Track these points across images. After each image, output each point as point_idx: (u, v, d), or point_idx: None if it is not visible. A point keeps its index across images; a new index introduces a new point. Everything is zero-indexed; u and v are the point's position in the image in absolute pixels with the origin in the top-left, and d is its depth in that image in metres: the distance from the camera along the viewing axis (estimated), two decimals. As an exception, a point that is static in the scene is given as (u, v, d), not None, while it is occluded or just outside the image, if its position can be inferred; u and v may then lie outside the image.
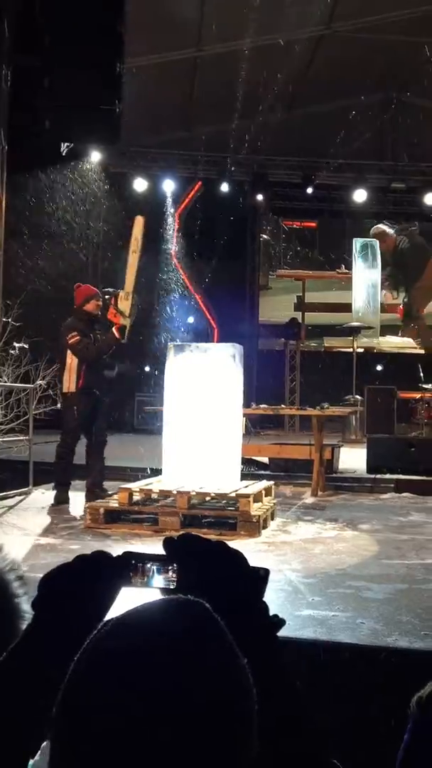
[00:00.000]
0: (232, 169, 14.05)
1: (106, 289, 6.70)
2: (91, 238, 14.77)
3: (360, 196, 14.30)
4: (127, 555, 0.89)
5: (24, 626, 0.93)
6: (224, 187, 14.11)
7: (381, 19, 11.59)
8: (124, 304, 6.33)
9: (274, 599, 3.45)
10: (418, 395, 11.52)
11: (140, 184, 14.00)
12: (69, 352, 6.21)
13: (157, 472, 6.05)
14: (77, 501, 6.28)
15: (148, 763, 0.68)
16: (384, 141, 14.57)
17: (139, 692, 0.70)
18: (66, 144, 10.20)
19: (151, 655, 0.71)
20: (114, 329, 6.26)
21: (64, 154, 9.77)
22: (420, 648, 2.79)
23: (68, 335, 6.25)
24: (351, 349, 13.03)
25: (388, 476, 7.64)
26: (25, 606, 1.03)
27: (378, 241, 15.64)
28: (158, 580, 0.88)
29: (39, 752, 0.82)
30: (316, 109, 13.32)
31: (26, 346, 7.33)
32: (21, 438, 6.95)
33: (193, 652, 0.72)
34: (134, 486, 5.55)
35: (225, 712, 0.72)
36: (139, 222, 6.62)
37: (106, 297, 6.44)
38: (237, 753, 0.73)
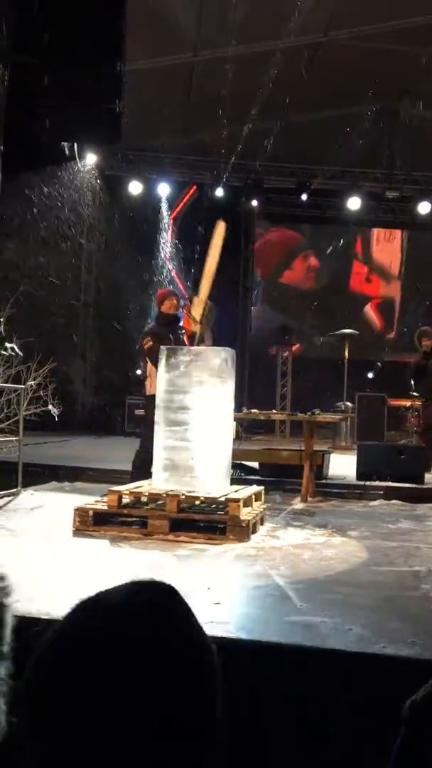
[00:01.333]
0: (227, 174, 14.07)
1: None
2: (85, 240, 14.77)
3: (354, 203, 14.35)
4: None
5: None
6: (219, 192, 14.13)
7: (377, 28, 11.66)
8: (197, 310, 6.36)
9: (262, 605, 3.45)
10: (408, 403, 11.56)
11: (135, 187, 14.00)
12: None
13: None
14: (65, 503, 6.26)
15: (110, 739, 0.70)
16: (379, 149, 14.62)
17: (102, 670, 0.72)
18: (67, 144, 10.20)
19: (114, 633, 0.73)
20: (185, 336, 6.28)
21: (66, 153, 9.76)
22: (407, 655, 2.78)
23: (144, 340, 6.32)
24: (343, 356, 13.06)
25: (377, 483, 7.66)
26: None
27: None
28: None
29: None
30: (312, 116, 13.37)
31: (17, 347, 7.30)
32: (11, 439, 6.92)
33: (156, 629, 0.75)
34: (124, 488, 5.54)
35: (188, 690, 0.75)
36: (220, 228, 6.61)
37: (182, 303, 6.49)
38: (201, 727, 0.76)
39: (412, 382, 9.47)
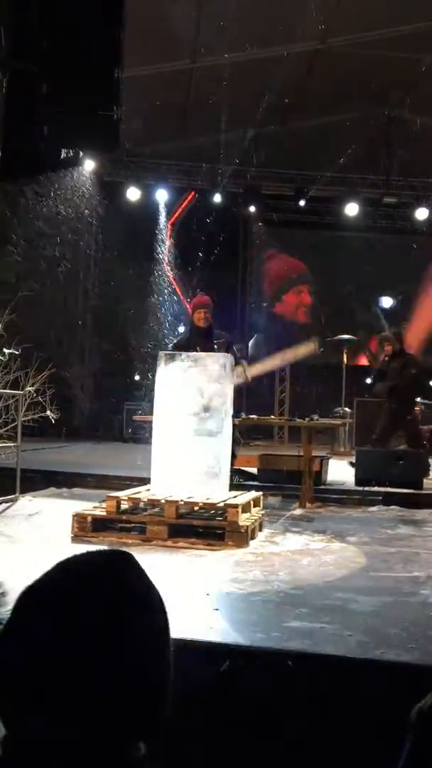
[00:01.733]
0: (225, 180, 14.11)
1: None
2: (84, 246, 14.79)
3: (352, 209, 14.39)
4: None
5: None
6: (217, 198, 14.16)
7: (375, 35, 11.70)
8: (239, 373, 6.43)
9: (261, 610, 3.44)
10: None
11: (133, 193, 14.03)
12: None
13: (145, 481, 6.03)
14: (64, 509, 6.25)
15: (69, 691, 0.80)
16: (377, 155, 14.67)
17: (66, 626, 0.82)
18: (66, 150, 10.24)
19: (76, 592, 0.84)
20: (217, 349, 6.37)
21: (66, 159, 9.80)
22: (407, 661, 2.78)
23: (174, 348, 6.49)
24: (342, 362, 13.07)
25: (376, 489, 7.65)
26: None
27: None
28: None
29: None
30: (310, 122, 13.42)
31: (16, 352, 7.30)
32: (9, 444, 6.91)
33: (114, 589, 0.86)
34: (122, 494, 5.53)
35: (141, 648, 0.85)
36: (309, 347, 6.88)
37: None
38: (154, 683, 0.87)
39: (374, 385, 9.39)
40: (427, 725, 1.08)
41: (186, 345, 6.52)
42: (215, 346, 6.51)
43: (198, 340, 6.60)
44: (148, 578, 0.90)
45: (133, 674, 0.83)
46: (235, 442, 6.62)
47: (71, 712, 0.79)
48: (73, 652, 0.80)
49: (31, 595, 0.86)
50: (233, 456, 6.31)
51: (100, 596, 0.84)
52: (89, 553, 0.90)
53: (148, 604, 0.89)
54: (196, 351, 6.27)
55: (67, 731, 0.79)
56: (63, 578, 0.87)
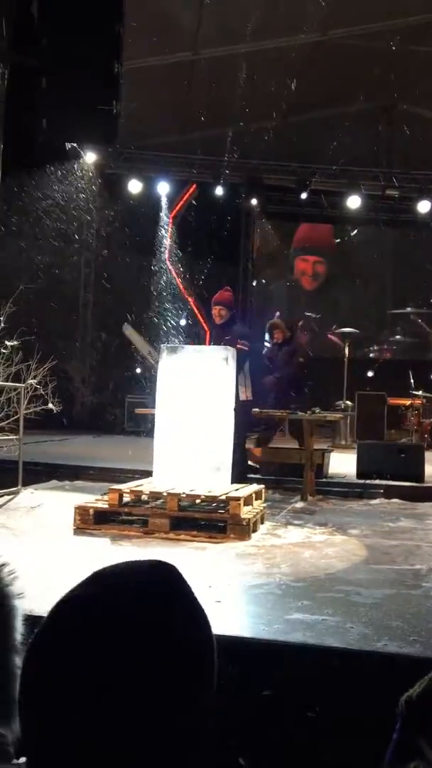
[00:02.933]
0: (227, 172, 14.06)
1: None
2: (85, 239, 14.77)
3: (354, 202, 14.35)
4: None
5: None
6: (219, 191, 14.12)
7: (377, 27, 11.66)
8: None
9: (263, 603, 3.45)
10: (408, 402, 11.56)
11: (135, 186, 14.00)
12: None
13: (147, 474, 6.05)
14: (66, 501, 6.26)
15: (110, 708, 0.72)
16: (379, 148, 14.62)
17: (105, 642, 0.74)
18: (69, 143, 10.22)
19: (117, 607, 0.76)
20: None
21: (67, 152, 9.79)
22: (409, 653, 2.79)
23: None
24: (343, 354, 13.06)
25: (377, 482, 7.66)
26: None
27: None
28: None
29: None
30: (312, 114, 13.38)
31: (17, 345, 7.30)
32: (11, 437, 6.92)
33: (159, 606, 0.78)
34: (124, 487, 5.54)
35: (187, 666, 0.77)
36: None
37: None
38: (194, 700, 0.77)
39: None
40: (416, 714, 1.09)
41: (210, 339, 6.79)
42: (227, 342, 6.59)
43: (216, 334, 6.76)
44: (193, 593, 0.83)
45: (176, 699, 0.75)
46: (242, 439, 6.77)
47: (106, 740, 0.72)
48: (112, 677, 0.73)
49: (68, 607, 0.78)
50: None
51: (145, 613, 0.77)
52: (132, 563, 0.82)
53: (194, 621, 0.81)
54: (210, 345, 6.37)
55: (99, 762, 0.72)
56: (104, 592, 0.78)
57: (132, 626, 0.75)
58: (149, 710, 0.73)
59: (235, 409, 6.45)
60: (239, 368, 6.67)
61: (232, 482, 6.11)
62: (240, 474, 6.62)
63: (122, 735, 0.72)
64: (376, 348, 15.61)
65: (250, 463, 8.02)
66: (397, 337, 15.74)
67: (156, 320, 14.27)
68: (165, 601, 0.79)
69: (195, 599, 0.82)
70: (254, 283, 16.29)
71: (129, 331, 6.99)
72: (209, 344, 6.49)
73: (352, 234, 15.90)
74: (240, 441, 6.86)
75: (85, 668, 0.73)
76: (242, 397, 6.74)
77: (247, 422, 6.91)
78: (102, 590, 0.79)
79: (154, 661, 0.74)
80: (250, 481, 6.65)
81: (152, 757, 0.73)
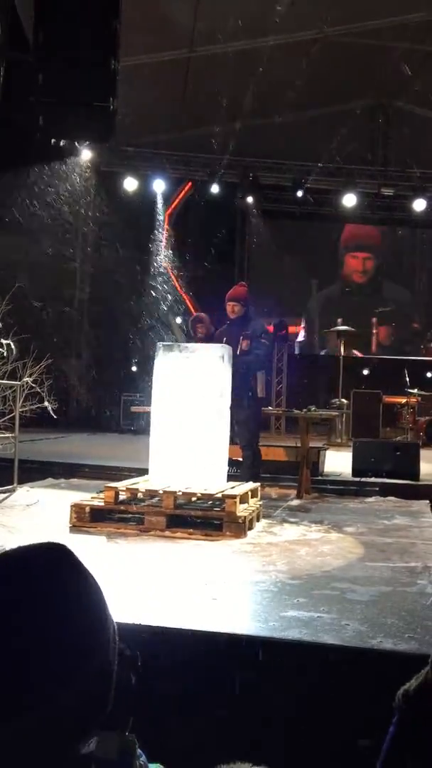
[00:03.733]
0: (223, 170, 14.06)
1: None
2: (80, 237, 14.75)
3: (349, 200, 14.37)
4: None
5: None
6: (214, 189, 14.12)
7: (373, 25, 11.66)
8: None
9: (259, 600, 3.46)
10: (403, 400, 11.59)
11: (130, 184, 13.99)
12: None
13: (143, 472, 6.05)
14: (62, 499, 6.27)
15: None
16: (374, 146, 14.64)
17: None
18: (63, 141, 10.19)
19: (10, 586, 0.82)
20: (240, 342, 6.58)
21: (62, 149, 9.76)
22: (404, 650, 2.80)
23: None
24: (338, 353, 13.09)
25: (372, 480, 7.68)
26: None
27: None
28: None
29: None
30: (308, 113, 13.38)
31: (12, 344, 7.29)
32: (7, 435, 6.92)
33: (50, 583, 0.84)
34: (120, 485, 5.54)
35: (80, 644, 0.82)
36: None
37: None
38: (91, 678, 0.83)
39: None
40: (412, 707, 1.10)
41: (220, 335, 6.79)
42: (241, 338, 6.62)
43: (228, 330, 6.81)
44: (86, 572, 0.88)
45: (71, 667, 0.81)
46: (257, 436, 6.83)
47: (12, 707, 0.77)
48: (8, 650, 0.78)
49: None
50: (230, 447, 6.34)
51: (31, 593, 0.82)
52: (21, 548, 0.88)
53: (86, 599, 0.86)
54: (223, 341, 6.36)
55: (10, 726, 0.77)
56: None
57: (19, 602, 0.81)
58: (35, 679, 0.78)
59: (250, 406, 6.51)
60: (262, 365, 6.73)
61: (247, 481, 6.14)
62: (255, 474, 6.63)
63: (10, 700, 0.77)
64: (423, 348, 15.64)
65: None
66: None
67: (151, 319, 14.26)
68: (53, 579, 0.85)
69: (88, 577, 0.88)
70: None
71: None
72: (220, 340, 6.47)
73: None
74: (255, 439, 6.89)
75: None
76: (260, 394, 6.78)
77: (259, 419, 7.02)
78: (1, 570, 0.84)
79: (39, 635, 0.80)
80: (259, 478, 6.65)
81: (35, 726, 0.78)
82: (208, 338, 6.87)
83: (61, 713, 0.79)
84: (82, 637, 0.83)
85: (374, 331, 14.09)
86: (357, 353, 14.85)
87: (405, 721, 1.11)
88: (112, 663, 0.87)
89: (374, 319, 14.39)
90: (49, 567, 0.86)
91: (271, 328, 14.63)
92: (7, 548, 0.89)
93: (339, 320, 13.40)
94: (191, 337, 7.39)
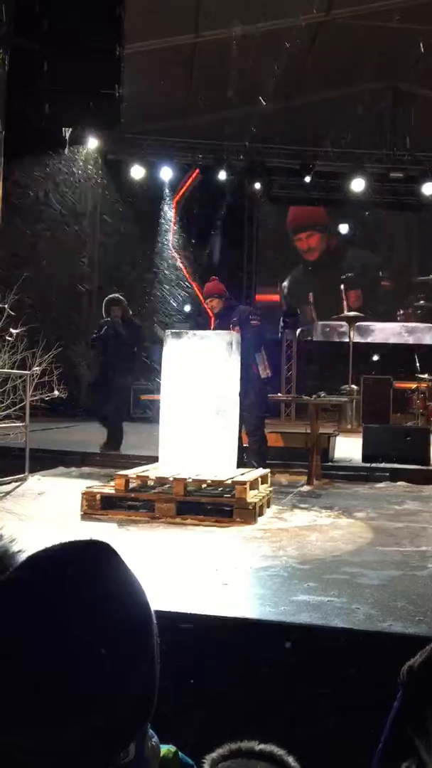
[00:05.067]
0: (230, 156, 13.99)
1: None
2: (88, 226, 14.73)
3: (358, 185, 14.27)
4: None
5: None
6: (222, 175, 14.05)
7: (380, 7, 11.53)
8: None
9: (270, 585, 3.47)
10: (413, 385, 11.55)
11: (137, 172, 13.94)
12: None
13: (153, 459, 6.07)
14: (73, 487, 6.31)
15: (45, 684, 0.74)
16: (383, 130, 14.51)
17: (38, 625, 0.76)
18: (69, 129, 10.16)
19: (52, 584, 0.78)
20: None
21: (68, 138, 9.73)
22: (414, 633, 2.81)
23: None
24: (347, 339, 13.05)
25: (383, 465, 7.67)
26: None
27: None
28: None
29: None
30: (315, 96, 13.27)
31: (22, 332, 7.31)
32: (17, 424, 6.95)
33: (90, 582, 0.80)
34: (131, 472, 5.56)
35: (123, 642, 0.79)
36: None
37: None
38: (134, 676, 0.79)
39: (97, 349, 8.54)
40: (417, 683, 1.11)
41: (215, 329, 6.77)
42: (231, 327, 6.59)
43: (218, 324, 6.84)
44: (128, 570, 0.84)
45: (115, 676, 0.77)
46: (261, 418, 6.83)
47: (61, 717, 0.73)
48: (42, 659, 0.74)
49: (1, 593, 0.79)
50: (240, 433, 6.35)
51: (79, 594, 0.78)
52: (66, 545, 0.84)
53: (129, 598, 0.82)
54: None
55: (51, 743, 0.73)
56: (36, 576, 0.80)
57: (65, 609, 0.77)
58: (86, 688, 0.74)
59: (254, 389, 6.50)
60: (259, 344, 6.70)
61: (256, 466, 6.15)
62: (262, 460, 6.64)
63: (61, 711, 0.73)
64: (401, 312, 15.78)
65: None
66: (421, 302, 15.88)
67: (160, 306, 14.24)
68: (98, 581, 0.81)
69: (131, 575, 0.84)
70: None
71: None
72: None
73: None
74: (262, 424, 6.90)
75: (19, 651, 0.74)
76: (263, 375, 6.76)
77: (264, 403, 7.01)
78: (34, 574, 0.80)
79: (88, 640, 0.76)
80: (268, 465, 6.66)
81: (88, 736, 0.75)
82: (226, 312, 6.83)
83: (110, 721, 0.76)
84: (130, 638, 0.80)
85: (343, 297, 14.08)
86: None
87: (409, 696, 1.12)
88: (155, 663, 0.83)
89: (342, 286, 14.38)
90: (93, 566, 0.82)
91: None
92: (24, 537, 0.88)
93: (310, 295, 13.43)
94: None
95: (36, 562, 0.82)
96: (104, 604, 0.79)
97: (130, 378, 8.32)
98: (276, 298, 16.22)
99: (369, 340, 15.32)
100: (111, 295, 8.86)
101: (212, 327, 6.99)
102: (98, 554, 0.83)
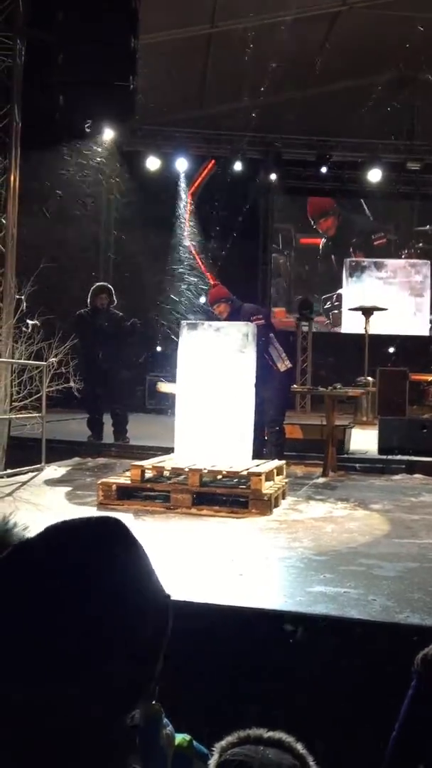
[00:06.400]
0: (245, 147, 13.92)
1: None
2: (103, 218, 14.73)
3: (375, 175, 14.17)
4: None
5: None
6: (237, 166, 14.00)
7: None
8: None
9: (285, 576, 3.48)
10: (430, 377, 11.49)
11: (153, 163, 13.93)
12: None
13: (169, 450, 6.08)
14: (89, 478, 6.34)
15: (56, 650, 0.76)
16: (399, 119, 14.38)
17: (55, 586, 0.79)
18: (86, 121, 10.15)
19: (64, 555, 0.82)
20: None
21: (85, 130, 9.72)
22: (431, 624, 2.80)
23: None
24: (363, 331, 13.00)
25: (399, 457, 7.65)
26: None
27: None
28: None
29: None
30: (331, 87, 13.17)
31: (39, 323, 7.33)
32: (34, 415, 6.98)
33: (106, 554, 0.83)
34: (146, 463, 5.58)
35: (133, 613, 0.82)
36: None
37: None
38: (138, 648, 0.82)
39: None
40: (430, 671, 1.12)
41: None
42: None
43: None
44: (139, 545, 0.87)
45: (126, 632, 0.80)
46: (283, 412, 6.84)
47: (66, 669, 0.76)
48: (64, 615, 0.78)
49: (21, 554, 0.83)
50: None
51: (94, 560, 0.82)
52: (83, 518, 0.87)
53: (139, 570, 0.86)
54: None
55: (62, 686, 0.76)
56: (56, 541, 0.84)
57: (80, 572, 0.80)
58: (93, 652, 0.78)
59: (272, 382, 6.50)
60: (267, 343, 6.68)
61: (272, 458, 6.16)
62: (279, 452, 6.65)
63: (66, 682, 0.76)
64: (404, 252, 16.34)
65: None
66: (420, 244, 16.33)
67: (175, 298, 14.24)
68: (113, 550, 0.84)
69: (140, 549, 0.87)
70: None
71: (165, 387, 7.05)
72: None
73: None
74: (281, 416, 6.90)
75: (34, 611, 0.78)
76: (282, 368, 6.75)
77: (286, 395, 7.02)
78: (54, 540, 0.84)
79: (101, 606, 0.79)
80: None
81: (96, 707, 0.77)
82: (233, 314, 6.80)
83: (113, 679, 0.79)
84: (132, 604, 0.83)
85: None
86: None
87: (423, 683, 1.12)
88: (161, 634, 0.86)
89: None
90: (101, 538, 0.85)
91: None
92: (40, 527, 0.89)
93: None
94: None
95: (54, 529, 0.86)
96: (107, 568, 0.83)
97: (115, 365, 8.25)
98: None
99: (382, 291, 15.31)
100: (98, 283, 8.89)
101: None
102: (109, 528, 0.87)
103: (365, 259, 15.84)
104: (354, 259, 15.75)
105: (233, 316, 6.73)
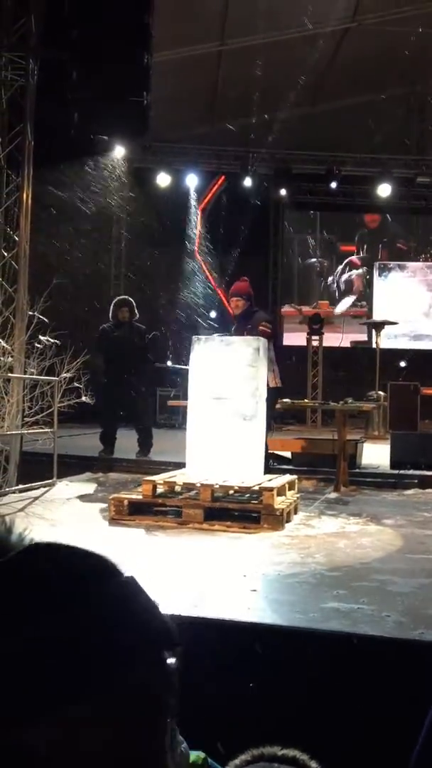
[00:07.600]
0: (255, 163, 14.00)
1: None
2: (114, 235, 14.83)
3: (384, 190, 14.20)
4: None
5: None
6: (247, 182, 14.07)
7: (407, 12, 11.49)
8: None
9: (298, 592, 3.46)
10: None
11: (163, 179, 14.02)
12: None
13: (180, 465, 6.08)
14: (100, 493, 6.34)
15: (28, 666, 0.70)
16: (409, 134, 14.44)
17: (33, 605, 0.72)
18: (96, 137, 10.26)
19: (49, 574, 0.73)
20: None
21: (95, 145, 9.81)
22: (446, 641, 2.77)
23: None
24: (374, 345, 12.98)
25: (411, 472, 7.60)
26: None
27: None
28: None
29: None
30: (341, 102, 13.25)
31: (51, 340, 7.37)
32: (46, 430, 7.00)
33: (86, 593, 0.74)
34: (158, 478, 5.58)
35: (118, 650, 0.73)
36: None
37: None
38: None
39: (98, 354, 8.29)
40: None
41: (233, 333, 6.74)
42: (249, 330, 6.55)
43: (237, 326, 6.78)
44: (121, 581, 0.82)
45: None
46: (268, 427, 6.70)
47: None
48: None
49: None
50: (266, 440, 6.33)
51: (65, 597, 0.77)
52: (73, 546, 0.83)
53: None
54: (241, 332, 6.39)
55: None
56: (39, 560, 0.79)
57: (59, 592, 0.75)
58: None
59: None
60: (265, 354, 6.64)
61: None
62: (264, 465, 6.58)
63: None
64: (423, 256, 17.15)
65: (281, 453, 8.00)
66: None
67: (186, 312, 14.28)
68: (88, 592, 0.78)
69: (126, 587, 0.81)
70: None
71: None
72: (233, 335, 6.49)
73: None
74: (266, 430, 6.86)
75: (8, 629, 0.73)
76: (271, 384, 6.67)
77: (271, 411, 6.91)
78: (37, 558, 0.79)
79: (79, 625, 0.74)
80: (283, 472, 6.63)
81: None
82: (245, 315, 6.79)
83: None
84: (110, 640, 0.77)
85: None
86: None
87: None
88: (155, 670, 0.80)
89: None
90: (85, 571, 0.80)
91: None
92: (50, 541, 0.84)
93: None
94: None
95: (38, 546, 0.81)
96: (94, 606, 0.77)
97: (135, 379, 8.24)
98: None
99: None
100: (119, 297, 8.93)
101: (235, 326, 6.98)
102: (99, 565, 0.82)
103: (391, 262, 17.10)
104: (382, 261, 17.02)
105: (245, 317, 6.74)
